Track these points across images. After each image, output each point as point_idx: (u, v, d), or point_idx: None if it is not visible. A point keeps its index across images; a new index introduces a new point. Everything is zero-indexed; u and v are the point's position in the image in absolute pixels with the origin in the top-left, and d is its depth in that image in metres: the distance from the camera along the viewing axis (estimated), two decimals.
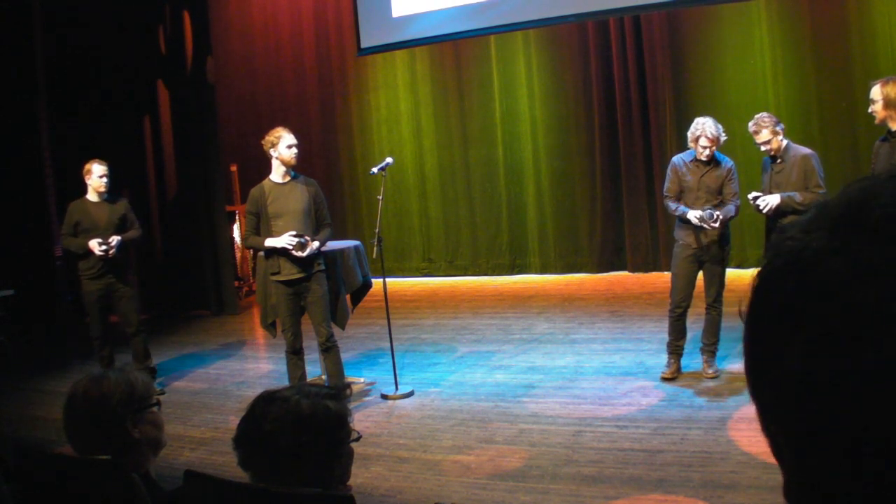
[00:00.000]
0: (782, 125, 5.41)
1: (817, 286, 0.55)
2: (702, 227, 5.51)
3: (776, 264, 0.59)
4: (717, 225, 5.39)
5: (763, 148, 5.42)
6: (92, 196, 6.45)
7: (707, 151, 5.49)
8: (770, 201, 5.26)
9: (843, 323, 0.53)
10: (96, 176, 6.40)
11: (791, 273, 0.57)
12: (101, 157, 6.60)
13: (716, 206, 5.48)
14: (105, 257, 6.28)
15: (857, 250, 0.54)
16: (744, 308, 0.62)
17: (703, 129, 5.47)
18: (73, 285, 9.46)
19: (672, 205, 5.63)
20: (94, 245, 6.24)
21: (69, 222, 6.41)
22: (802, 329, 0.55)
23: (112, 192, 6.57)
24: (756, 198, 5.34)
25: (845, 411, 0.53)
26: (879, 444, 0.52)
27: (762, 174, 5.61)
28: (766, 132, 5.32)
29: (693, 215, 5.43)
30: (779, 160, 5.40)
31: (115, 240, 6.32)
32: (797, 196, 5.22)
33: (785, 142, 5.41)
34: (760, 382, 0.60)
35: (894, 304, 0.52)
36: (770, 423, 0.60)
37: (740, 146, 7.13)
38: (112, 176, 6.52)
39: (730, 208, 5.49)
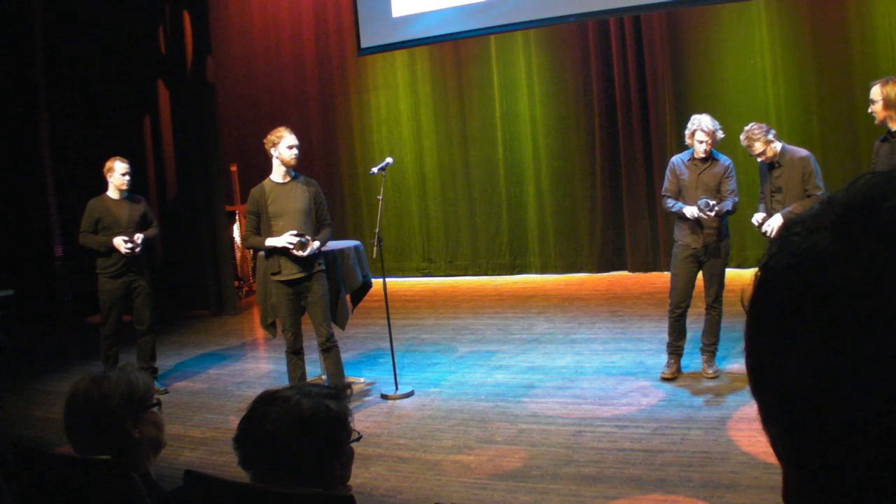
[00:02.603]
0: (773, 131, 5.38)
1: (823, 290, 0.54)
2: (700, 227, 5.51)
3: (781, 261, 0.58)
4: (712, 214, 5.38)
5: (759, 159, 5.42)
6: (113, 193, 6.46)
7: (704, 146, 5.49)
8: (774, 224, 5.24)
9: (847, 328, 0.52)
10: (119, 173, 6.40)
11: (796, 274, 0.56)
12: (101, 157, 6.59)
13: None
14: (130, 255, 6.28)
15: (863, 255, 0.53)
16: (746, 300, 0.61)
17: (700, 123, 5.49)
18: (73, 285, 9.50)
19: (669, 202, 5.63)
20: (120, 243, 6.24)
21: (89, 219, 6.39)
22: (806, 332, 0.55)
23: (131, 189, 6.58)
24: (761, 224, 5.34)
25: (847, 416, 0.53)
26: (880, 451, 0.52)
27: (761, 181, 5.60)
28: (759, 144, 5.30)
29: (689, 211, 5.43)
30: (777, 165, 5.39)
31: (139, 237, 6.33)
32: (798, 209, 5.20)
33: (779, 146, 5.39)
34: (762, 382, 0.60)
35: None
36: (770, 423, 0.60)
37: (740, 146, 7.12)
38: (133, 174, 6.52)
39: (726, 203, 5.48)
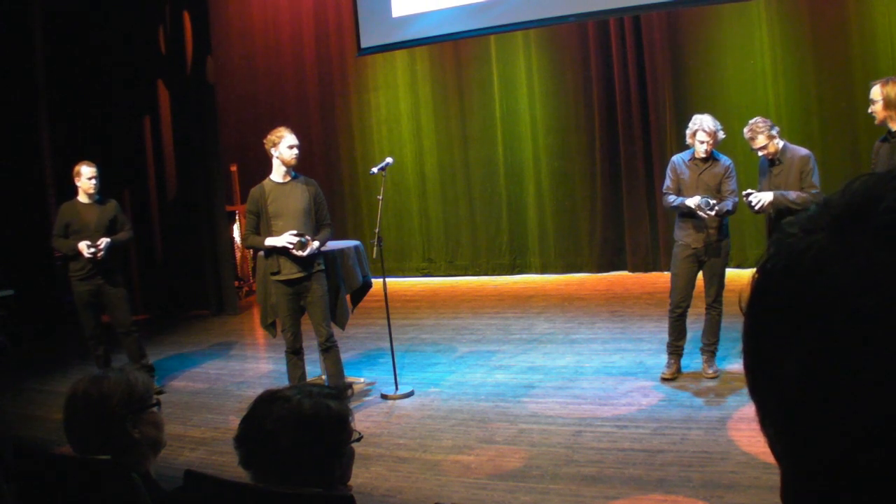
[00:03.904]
0: (777, 128, 5.39)
1: (820, 291, 0.54)
2: (702, 227, 5.51)
3: (778, 263, 0.58)
4: (712, 213, 5.38)
5: (760, 153, 5.42)
6: (82, 198, 6.47)
7: (705, 146, 5.48)
8: (763, 198, 5.23)
9: (844, 329, 0.53)
10: (85, 178, 6.41)
11: (793, 275, 0.56)
12: (102, 157, 6.61)
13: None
14: (94, 259, 6.28)
15: (860, 256, 0.53)
16: (744, 302, 0.61)
17: (701, 123, 5.48)
18: (69, 285, 9.49)
19: (671, 198, 5.63)
20: (83, 247, 6.25)
21: (60, 224, 6.43)
22: (803, 333, 0.55)
23: (103, 193, 6.57)
24: (749, 194, 5.31)
25: (844, 417, 0.53)
26: (877, 451, 0.52)
27: (759, 177, 5.60)
28: (762, 137, 5.30)
29: (692, 201, 5.43)
30: (777, 162, 5.39)
31: (103, 242, 6.31)
32: (791, 194, 5.20)
33: (781, 143, 5.39)
34: (760, 383, 0.60)
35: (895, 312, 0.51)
36: (768, 424, 0.60)
37: (740, 146, 7.12)
38: (101, 177, 6.52)
39: (727, 203, 5.48)
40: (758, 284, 0.60)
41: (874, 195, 0.56)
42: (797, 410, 0.56)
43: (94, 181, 6.42)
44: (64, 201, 6.68)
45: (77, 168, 6.47)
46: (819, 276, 0.55)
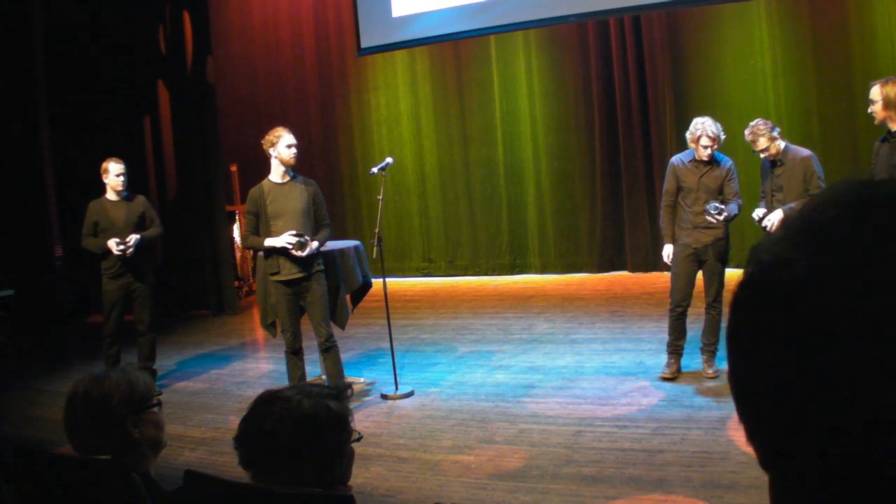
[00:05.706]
0: (778, 129, 5.39)
1: (778, 295, 0.57)
2: (701, 227, 5.51)
3: (748, 278, 0.61)
4: (721, 218, 5.39)
5: (762, 155, 5.42)
6: (110, 195, 6.46)
7: (708, 151, 5.48)
8: (773, 219, 5.25)
9: (802, 330, 0.55)
10: (113, 174, 6.40)
11: (757, 285, 0.59)
12: (102, 157, 6.59)
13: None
14: (123, 256, 6.28)
15: (810, 258, 0.56)
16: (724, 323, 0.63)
17: (704, 128, 5.47)
18: (73, 285, 9.50)
19: (661, 223, 5.81)
20: (112, 245, 6.25)
21: (88, 222, 6.42)
22: (769, 340, 0.57)
23: (131, 190, 6.57)
24: (762, 219, 5.35)
25: (812, 419, 0.54)
26: (846, 452, 0.53)
27: (762, 179, 5.61)
28: (763, 140, 5.30)
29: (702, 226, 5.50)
30: (779, 164, 5.39)
31: (132, 238, 6.31)
32: (799, 206, 5.21)
33: (783, 144, 5.40)
34: (739, 396, 0.61)
35: (849, 308, 0.53)
36: (752, 435, 0.61)
37: (741, 146, 7.12)
38: (129, 174, 6.51)
39: (732, 207, 5.49)
40: (733, 301, 0.63)
41: (821, 204, 0.59)
42: (772, 418, 0.57)
43: (122, 178, 6.41)
44: (64, 201, 6.68)
45: (105, 165, 6.45)
46: (778, 280, 0.57)
